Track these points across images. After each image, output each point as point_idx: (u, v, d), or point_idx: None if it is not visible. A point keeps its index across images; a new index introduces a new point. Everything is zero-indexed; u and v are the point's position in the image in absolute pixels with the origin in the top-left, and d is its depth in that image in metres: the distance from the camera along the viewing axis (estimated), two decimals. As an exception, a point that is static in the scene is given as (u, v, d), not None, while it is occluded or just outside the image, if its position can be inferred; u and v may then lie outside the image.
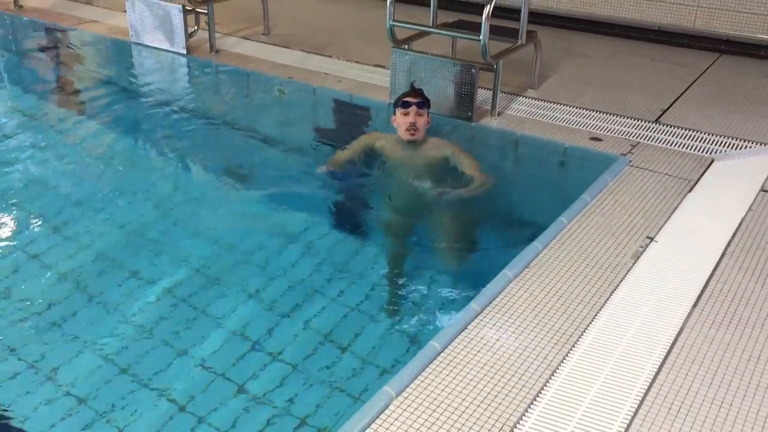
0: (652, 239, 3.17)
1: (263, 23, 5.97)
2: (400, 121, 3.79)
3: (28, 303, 2.87)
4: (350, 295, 2.97)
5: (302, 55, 5.58)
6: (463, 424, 2.10)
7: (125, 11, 6.34)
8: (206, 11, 5.42)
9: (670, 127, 4.39)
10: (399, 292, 3.07)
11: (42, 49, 6.02)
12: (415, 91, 3.86)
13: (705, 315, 2.65)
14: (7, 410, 2.35)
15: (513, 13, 4.62)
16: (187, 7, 5.37)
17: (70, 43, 6.03)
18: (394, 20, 4.38)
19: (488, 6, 4.02)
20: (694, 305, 2.70)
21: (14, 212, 3.54)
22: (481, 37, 4.08)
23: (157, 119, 4.66)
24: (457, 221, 3.55)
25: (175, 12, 5.31)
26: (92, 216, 3.50)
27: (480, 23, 4.07)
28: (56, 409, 2.34)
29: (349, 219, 3.73)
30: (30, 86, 5.28)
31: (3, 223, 3.47)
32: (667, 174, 3.79)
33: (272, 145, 4.48)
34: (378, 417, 2.12)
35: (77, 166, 4.08)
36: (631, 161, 3.91)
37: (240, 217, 3.56)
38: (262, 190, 3.87)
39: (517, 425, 2.11)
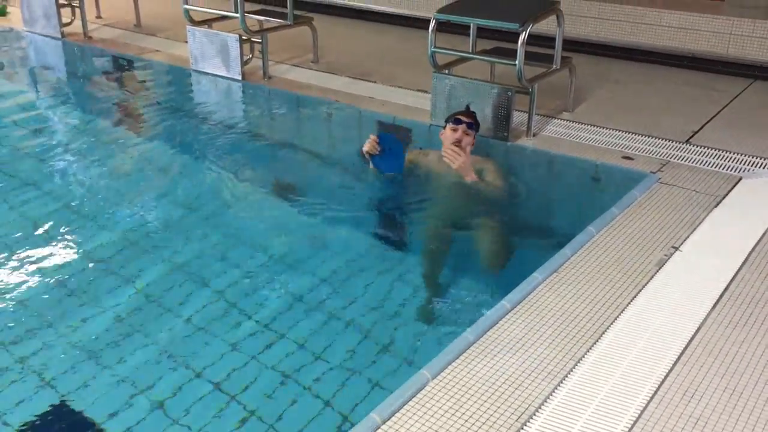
0: (676, 249, 3.37)
1: (312, 52, 6.35)
2: (448, 135, 4.05)
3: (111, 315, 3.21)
4: (393, 296, 3.23)
5: (349, 81, 5.94)
6: (493, 404, 2.33)
7: (185, 42, 6.84)
8: (260, 41, 5.83)
9: (700, 147, 4.58)
10: (436, 292, 3.32)
11: (109, 76, 6.50)
12: (469, 112, 4.15)
13: (723, 316, 2.84)
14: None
15: (550, 41, 4.89)
16: (243, 37, 5.79)
17: (136, 71, 6.51)
18: (435, 47, 4.69)
19: (524, 33, 4.31)
20: (713, 307, 2.89)
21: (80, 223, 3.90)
22: (516, 62, 4.36)
23: (215, 139, 5.04)
24: (492, 229, 3.80)
25: (233, 41, 5.73)
26: (158, 229, 3.82)
27: (516, 50, 4.35)
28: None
29: (392, 228, 4.00)
30: (97, 110, 5.73)
31: (76, 236, 3.81)
32: (694, 190, 3.98)
33: (321, 161, 4.80)
34: (415, 396, 2.38)
35: (144, 183, 4.44)
36: (660, 178, 4.12)
37: (289, 229, 3.86)
38: (311, 203, 4.18)
39: (544, 404, 2.34)
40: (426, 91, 5.50)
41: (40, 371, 2.73)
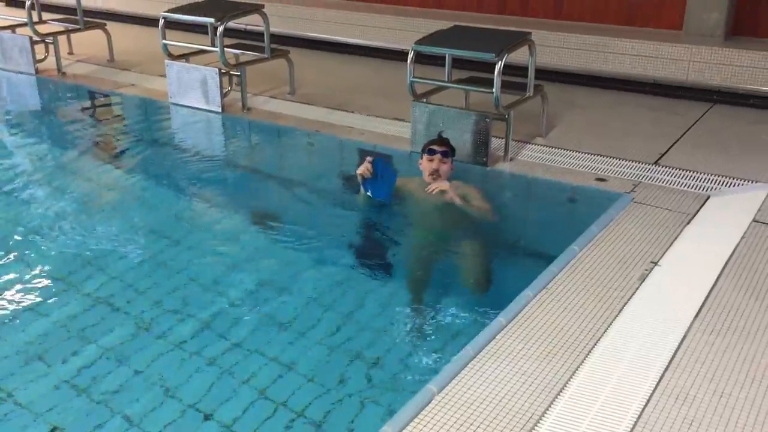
0: (656, 263, 3.54)
1: (289, 84, 6.47)
2: (425, 165, 4.21)
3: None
4: (382, 317, 3.33)
5: (326, 111, 6.06)
6: (498, 414, 2.44)
7: (160, 76, 6.91)
8: (238, 74, 5.94)
9: (669, 168, 4.80)
10: (427, 313, 3.42)
11: (88, 111, 6.53)
12: (441, 140, 4.29)
13: (705, 324, 2.99)
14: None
15: (519, 69, 5.10)
16: (222, 71, 5.89)
17: (114, 105, 6.55)
18: (414, 77, 4.86)
19: (500, 63, 4.50)
20: (696, 316, 3.05)
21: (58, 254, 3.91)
22: (494, 90, 4.54)
23: (196, 169, 5.12)
24: (478, 251, 3.93)
25: (212, 75, 5.82)
26: (133, 260, 3.85)
27: (489, 79, 4.53)
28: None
29: (376, 254, 4.11)
30: (78, 144, 5.73)
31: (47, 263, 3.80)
32: (667, 209, 4.18)
33: (302, 189, 4.91)
34: (422, 411, 2.46)
35: (126, 214, 4.47)
36: (634, 198, 4.31)
37: (272, 256, 3.93)
38: (292, 231, 4.26)
39: (546, 413, 2.45)
40: (403, 120, 5.66)
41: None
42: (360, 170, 4.11)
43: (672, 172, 4.74)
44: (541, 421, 2.40)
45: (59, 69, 7.17)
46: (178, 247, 4.01)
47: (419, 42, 4.80)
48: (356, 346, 3.09)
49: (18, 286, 3.56)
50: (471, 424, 2.38)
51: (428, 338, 3.20)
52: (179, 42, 6.30)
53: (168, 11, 6.04)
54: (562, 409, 2.46)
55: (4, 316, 3.31)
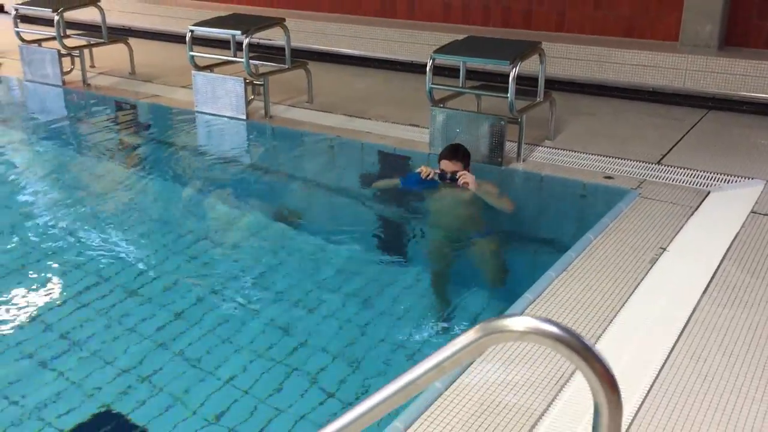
0: (664, 249, 3.86)
1: (307, 93, 6.81)
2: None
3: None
4: (400, 305, 3.63)
5: (345, 118, 6.39)
6: (535, 362, 2.74)
7: (181, 87, 7.24)
8: (262, 83, 6.27)
9: (671, 167, 5.15)
10: (451, 293, 3.75)
11: (114, 120, 6.85)
12: (451, 155, 4.57)
13: (713, 299, 3.32)
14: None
15: (523, 80, 5.44)
16: (246, 80, 6.22)
17: (140, 113, 6.89)
18: (432, 83, 5.20)
19: (513, 69, 4.84)
20: (704, 292, 3.38)
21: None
22: (508, 95, 4.89)
23: (225, 173, 5.44)
24: (499, 239, 4.27)
25: (239, 84, 6.15)
26: (164, 259, 4.11)
27: (500, 86, 4.88)
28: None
29: (396, 245, 4.45)
30: (111, 152, 6.05)
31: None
32: (671, 202, 4.51)
33: (324, 189, 5.24)
34: (431, 406, 2.73)
35: (159, 215, 4.78)
36: (640, 193, 4.64)
37: (295, 253, 4.25)
38: (315, 228, 4.60)
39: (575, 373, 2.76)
40: (418, 126, 6.00)
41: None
42: (423, 173, 4.52)
43: (674, 170, 5.09)
44: (571, 379, 2.71)
45: (84, 81, 7.48)
46: (216, 242, 4.33)
47: (438, 51, 5.15)
48: (380, 331, 3.38)
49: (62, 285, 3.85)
50: (509, 384, 2.69)
51: (458, 316, 3.52)
52: (204, 54, 6.62)
53: (195, 24, 6.37)
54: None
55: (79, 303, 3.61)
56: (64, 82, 7.40)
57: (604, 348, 2.91)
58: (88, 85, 7.49)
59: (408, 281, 3.93)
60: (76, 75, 7.62)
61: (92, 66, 8.12)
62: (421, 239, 4.55)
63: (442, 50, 5.16)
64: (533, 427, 2.46)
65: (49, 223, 4.53)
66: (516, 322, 1.21)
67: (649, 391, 2.64)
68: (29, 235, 4.36)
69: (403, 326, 3.42)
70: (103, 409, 2.83)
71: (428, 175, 4.52)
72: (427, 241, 4.52)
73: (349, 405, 2.62)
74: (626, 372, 2.75)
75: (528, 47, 5.17)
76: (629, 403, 2.59)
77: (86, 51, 7.84)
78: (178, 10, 9.89)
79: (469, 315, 3.55)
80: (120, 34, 8.72)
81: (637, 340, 2.97)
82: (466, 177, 4.44)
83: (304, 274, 3.94)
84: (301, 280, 3.86)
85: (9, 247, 4.21)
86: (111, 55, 8.27)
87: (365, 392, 2.94)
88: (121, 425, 2.76)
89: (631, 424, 2.47)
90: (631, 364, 2.80)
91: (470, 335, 1.23)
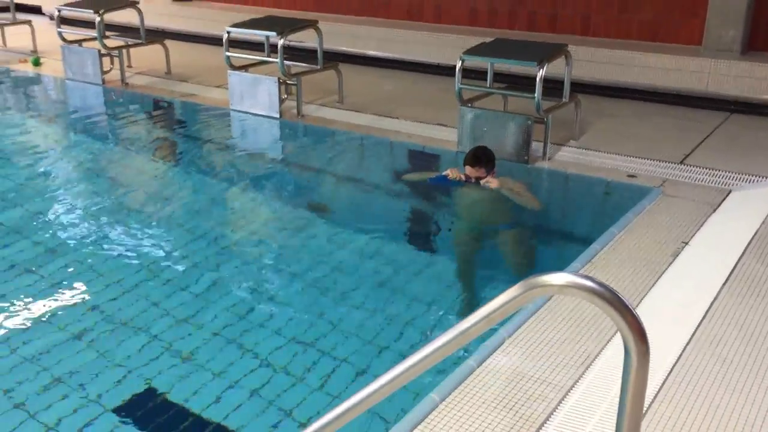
0: (686, 243, 4.02)
1: (338, 94, 7.02)
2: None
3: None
4: (427, 293, 3.82)
5: (374, 118, 6.60)
6: (564, 342, 2.92)
7: (215, 86, 7.50)
8: (295, 83, 6.50)
9: (693, 167, 5.29)
10: (476, 282, 3.95)
11: (154, 116, 7.14)
12: (474, 162, 4.73)
13: (732, 289, 3.47)
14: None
15: (548, 82, 5.59)
16: (280, 80, 6.46)
17: (181, 111, 7.19)
18: (461, 84, 5.39)
19: (541, 70, 5.02)
20: (724, 283, 3.53)
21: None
22: (535, 95, 5.06)
23: (260, 168, 5.68)
24: (525, 233, 4.46)
25: (272, 83, 6.39)
26: (202, 250, 4.29)
27: (525, 87, 5.05)
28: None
29: (423, 236, 4.68)
30: (153, 148, 6.34)
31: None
32: (693, 200, 4.66)
33: (355, 183, 5.46)
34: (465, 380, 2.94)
35: (196, 208, 5.02)
36: (663, 191, 4.80)
37: (327, 243, 4.46)
38: (345, 220, 4.85)
39: (602, 351, 2.93)
40: (445, 125, 6.19)
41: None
42: (451, 175, 4.75)
43: (696, 170, 5.23)
44: (598, 358, 2.88)
45: (123, 80, 7.76)
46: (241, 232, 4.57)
47: (467, 52, 5.34)
48: (406, 316, 3.58)
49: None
50: (543, 355, 2.87)
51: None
52: (239, 54, 6.86)
53: (232, 26, 6.62)
54: (612, 352, 2.95)
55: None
56: (103, 81, 7.69)
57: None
58: (126, 83, 7.77)
59: (435, 270, 4.13)
60: (114, 74, 7.91)
61: (129, 66, 8.39)
62: (448, 231, 4.75)
63: (472, 51, 5.35)
64: (563, 398, 2.64)
65: (96, 212, 4.79)
66: (556, 278, 1.40)
67: (670, 371, 2.81)
68: (80, 222, 4.63)
69: (430, 314, 3.61)
70: (145, 386, 3.03)
71: (455, 178, 4.73)
72: (453, 233, 4.73)
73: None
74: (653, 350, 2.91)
75: (554, 49, 5.34)
76: (651, 381, 2.76)
77: (124, 51, 8.12)
78: (208, 13, 10.18)
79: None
80: (153, 35, 9.00)
81: (659, 325, 3.14)
82: (493, 182, 4.65)
83: (337, 263, 4.14)
84: (332, 269, 4.06)
85: (52, 234, 4.46)
86: (147, 55, 8.55)
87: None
88: (163, 400, 2.96)
89: (653, 401, 2.64)
90: (653, 346, 2.97)
91: (515, 290, 1.41)
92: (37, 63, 8.70)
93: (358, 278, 3.96)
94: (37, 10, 12.24)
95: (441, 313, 3.63)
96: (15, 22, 9.42)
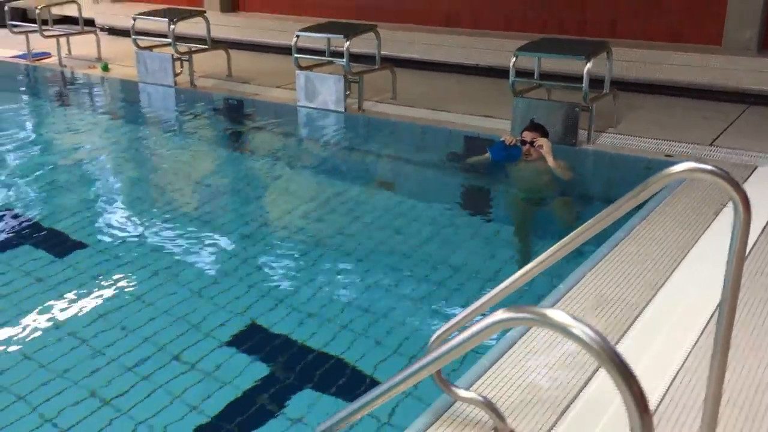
0: (724, 205, 4.72)
1: (390, 90, 7.75)
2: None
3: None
4: (488, 258, 4.49)
5: (428, 111, 7.33)
6: (621, 285, 3.61)
7: (276, 87, 8.24)
8: (357, 81, 7.24)
9: (721, 147, 6.00)
10: (531, 245, 4.73)
11: (230, 114, 7.94)
12: (532, 128, 5.56)
13: (760, 250, 4.15)
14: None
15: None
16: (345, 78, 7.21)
17: (249, 108, 7.94)
18: (515, 77, 6.11)
19: (588, 63, 5.74)
20: (760, 234, 4.22)
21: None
22: (583, 85, 5.78)
23: (332, 155, 6.42)
24: (568, 207, 5.30)
25: (339, 81, 7.14)
26: (287, 237, 4.82)
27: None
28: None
29: (482, 208, 5.48)
30: (232, 142, 7.10)
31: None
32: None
33: (421, 165, 6.20)
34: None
35: (278, 191, 5.74)
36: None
37: (397, 216, 5.14)
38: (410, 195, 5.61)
39: (648, 305, 3.62)
40: (493, 117, 6.92)
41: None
42: (507, 139, 5.56)
43: (724, 150, 5.94)
44: (636, 322, 3.57)
45: (192, 82, 8.51)
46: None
47: (520, 49, 6.07)
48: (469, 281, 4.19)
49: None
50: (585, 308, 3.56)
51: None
52: (305, 56, 7.63)
53: (301, 30, 7.37)
54: (653, 312, 3.64)
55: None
56: (175, 83, 8.44)
57: (681, 272, 3.77)
58: (195, 85, 8.52)
59: (491, 235, 4.88)
60: (182, 78, 8.65)
61: (193, 70, 9.14)
62: (504, 202, 5.51)
63: (525, 48, 6.09)
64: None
65: (184, 200, 5.51)
66: (682, 166, 2.11)
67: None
68: (163, 208, 5.33)
69: (492, 263, 4.31)
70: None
71: (511, 142, 5.49)
72: (510, 201, 5.49)
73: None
74: (691, 307, 3.60)
75: (598, 45, 6.06)
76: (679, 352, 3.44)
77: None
78: (257, 22, 10.93)
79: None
80: (203, 43, 9.74)
81: (706, 272, 3.82)
82: (542, 141, 5.41)
83: (405, 236, 4.79)
84: (401, 242, 4.70)
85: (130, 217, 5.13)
86: (206, 61, 9.29)
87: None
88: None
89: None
90: (697, 296, 3.66)
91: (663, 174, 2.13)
92: (106, 68, 9.45)
93: (432, 240, 4.66)
94: (89, 23, 13.01)
95: (500, 265, 4.33)
96: (82, 32, 10.17)
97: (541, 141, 5.44)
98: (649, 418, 1.51)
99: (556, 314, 1.61)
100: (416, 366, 2.02)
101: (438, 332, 2.47)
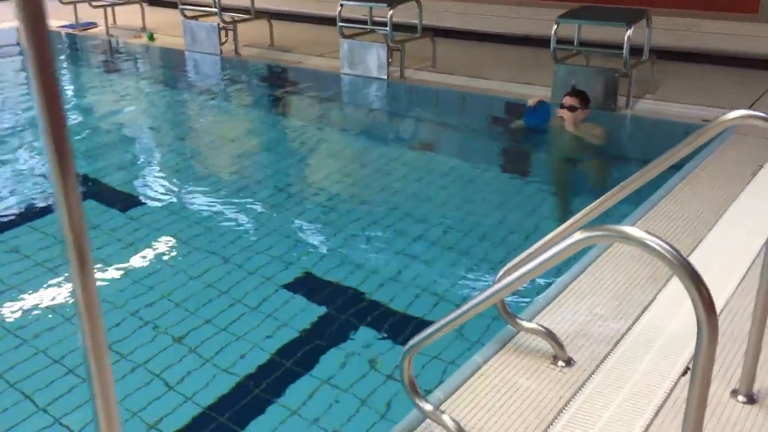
0: (761, 166, 4.91)
1: (431, 59, 7.95)
2: (561, 111, 5.75)
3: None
4: (528, 212, 4.77)
5: (467, 79, 7.53)
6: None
7: (317, 56, 8.48)
8: (399, 48, 7.46)
9: (759, 111, 6.14)
10: (569, 203, 5.03)
11: (278, 81, 8.22)
12: (574, 93, 5.77)
13: (805, 193, 4.37)
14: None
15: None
16: (388, 46, 7.43)
17: (298, 75, 8.23)
18: (556, 44, 6.29)
19: (629, 30, 5.91)
20: (797, 190, 4.43)
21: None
22: (624, 52, 5.96)
23: (375, 120, 6.70)
24: (604, 170, 5.53)
25: (382, 49, 7.36)
26: (333, 197, 5.11)
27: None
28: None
29: (521, 168, 5.77)
30: (278, 108, 7.40)
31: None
32: (763, 137, 5.54)
33: (462, 130, 6.48)
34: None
35: (333, 158, 6.03)
36: (736, 130, 5.67)
37: (437, 177, 5.43)
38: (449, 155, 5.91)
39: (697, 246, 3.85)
40: (531, 84, 7.11)
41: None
42: (530, 102, 5.80)
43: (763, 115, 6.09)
44: (652, 303, 3.80)
45: (236, 50, 8.78)
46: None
47: (562, 16, 6.24)
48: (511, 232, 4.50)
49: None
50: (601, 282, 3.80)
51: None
52: (349, 25, 7.86)
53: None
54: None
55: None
56: (221, 52, 8.71)
57: (717, 231, 4.00)
58: (239, 54, 8.78)
59: (533, 193, 5.14)
60: (226, 47, 8.92)
61: (237, 39, 9.39)
62: (543, 163, 5.75)
63: (566, 15, 6.26)
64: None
65: (239, 168, 5.81)
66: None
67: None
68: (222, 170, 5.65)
69: (531, 219, 4.58)
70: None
71: (534, 103, 5.80)
72: (548, 164, 5.74)
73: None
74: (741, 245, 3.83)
75: (637, 13, 6.22)
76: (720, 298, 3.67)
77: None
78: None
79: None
80: (245, 12, 9.98)
81: (745, 228, 4.04)
82: (562, 113, 5.65)
83: (449, 194, 5.07)
84: (445, 199, 4.99)
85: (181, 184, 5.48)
86: (250, 31, 9.54)
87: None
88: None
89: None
90: (738, 248, 3.88)
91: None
92: (151, 38, 9.74)
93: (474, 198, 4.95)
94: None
95: (538, 220, 4.60)
96: (128, 2, 10.46)
97: (562, 112, 5.68)
98: (714, 318, 1.77)
99: (633, 231, 1.87)
100: (496, 288, 2.30)
101: (506, 267, 2.74)
